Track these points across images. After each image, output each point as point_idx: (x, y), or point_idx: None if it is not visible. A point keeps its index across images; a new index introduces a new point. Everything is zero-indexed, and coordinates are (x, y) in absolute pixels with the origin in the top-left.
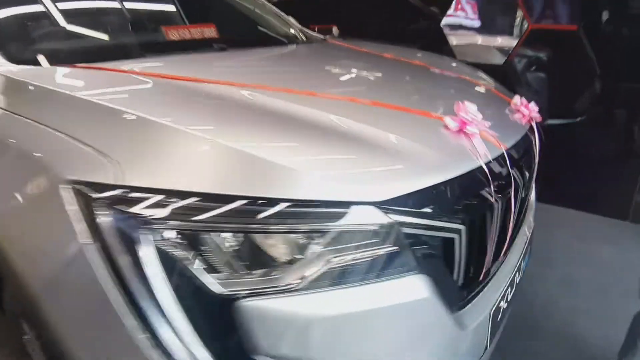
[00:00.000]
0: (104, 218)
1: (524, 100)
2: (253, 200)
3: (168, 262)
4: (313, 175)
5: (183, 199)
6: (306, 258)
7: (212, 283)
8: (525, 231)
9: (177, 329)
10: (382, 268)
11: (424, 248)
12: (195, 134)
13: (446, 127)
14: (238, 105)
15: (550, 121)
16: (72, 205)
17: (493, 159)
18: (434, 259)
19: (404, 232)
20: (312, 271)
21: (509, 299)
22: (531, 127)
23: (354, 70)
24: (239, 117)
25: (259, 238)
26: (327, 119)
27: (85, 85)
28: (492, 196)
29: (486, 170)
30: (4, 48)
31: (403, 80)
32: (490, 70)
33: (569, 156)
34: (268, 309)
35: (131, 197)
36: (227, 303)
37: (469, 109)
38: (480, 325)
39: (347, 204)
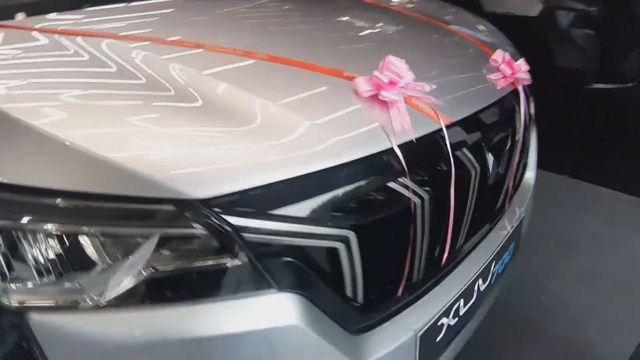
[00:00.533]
0: None
1: (507, 56)
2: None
3: None
4: (120, 160)
5: None
6: (113, 267)
7: None
8: (505, 225)
9: None
10: (217, 285)
11: (287, 261)
12: None
13: (357, 91)
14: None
15: (596, 85)
16: None
17: (422, 137)
18: (305, 275)
19: (249, 240)
20: (120, 283)
21: (461, 313)
22: (516, 92)
23: (296, 18)
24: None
25: (55, 239)
26: (181, 81)
27: None
28: (408, 189)
29: (399, 153)
30: None
31: (349, 31)
32: (524, 24)
33: (611, 126)
34: (62, 327)
35: None
36: (14, 317)
37: (395, 66)
38: (399, 352)
39: (164, 201)
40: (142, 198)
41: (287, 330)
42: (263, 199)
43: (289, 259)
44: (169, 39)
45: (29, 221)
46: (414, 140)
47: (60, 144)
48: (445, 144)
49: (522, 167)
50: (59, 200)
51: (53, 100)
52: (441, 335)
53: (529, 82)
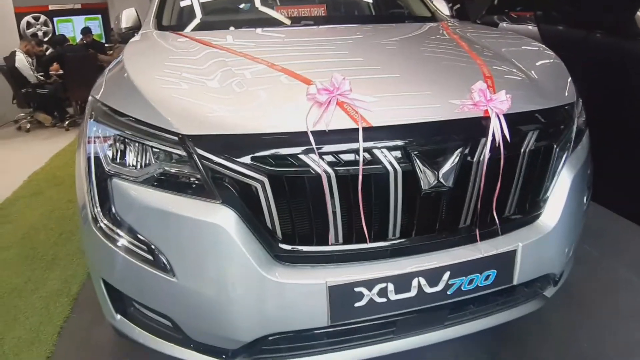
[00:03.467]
0: None
1: (482, 86)
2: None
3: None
4: (154, 102)
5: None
6: (142, 161)
7: (104, 164)
8: (480, 248)
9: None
10: (186, 186)
11: (226, 185)
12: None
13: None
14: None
15: None
16: None
17: (337, 130)
18: (236, 198)
19: (206, 165)
20: (145, 170)
21: (391, 297)
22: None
23: (364, 47)
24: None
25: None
26: (223, 72)
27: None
28: (317, 164)
29: (310, 135)
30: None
31: (375, 59)
32: None
33: None
34: (124, 187)
35: None
36: (108, 176)
37: (335, 79)
38: (308, 290)
39: (170, 132)
40: (162, 128)
41: (216, 227)
42: (220, 143)
43: (228, 185)
44: (252, 55)
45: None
46: (327, 130)
47: (140, 93)
48: (357, 140)
49: (516, 198)
50: (133, 122)
51: (162, 74)
52: (361, 303)
53: (502, 111)
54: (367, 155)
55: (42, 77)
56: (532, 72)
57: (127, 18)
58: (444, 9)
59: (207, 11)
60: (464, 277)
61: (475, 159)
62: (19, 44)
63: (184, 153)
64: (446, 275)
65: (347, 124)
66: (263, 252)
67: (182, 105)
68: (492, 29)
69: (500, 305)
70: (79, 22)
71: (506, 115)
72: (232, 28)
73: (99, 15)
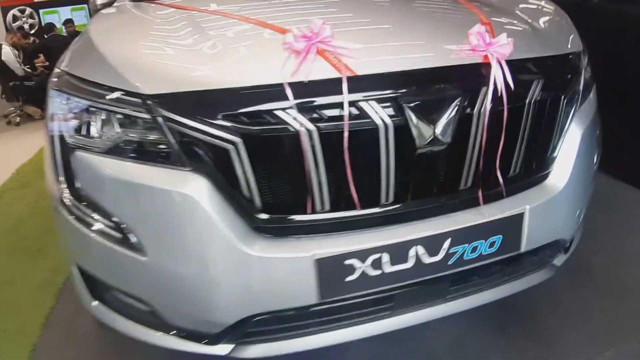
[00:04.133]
0: None
1: (481, 29)
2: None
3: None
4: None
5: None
6: (106, 130)
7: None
8: (483, 212)
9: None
10: (152, 154)
11: (196, 149)
12: None
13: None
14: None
15: None
16: None
17: (319, 81)
18: (208, 164)
19: (172, 128)
20: (109, 139)
21: (386, 269)
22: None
23: None
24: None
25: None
26: (192, 29)
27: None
28: (296, 121)
29: (287, 89)
30: None
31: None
32: None
33: None
34: (88, 160)
35: None
36: (71, 151)
37: (315, 25)
38: (294, 265)
39: (131, 94)
40: (125, 91)
41: (187, 197)
42: (186, 102)
43: (198, 149)
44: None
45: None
46: (306, 81)
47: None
48: (341, 91)
49: (522, 156)
50: (96, 88)
51: (128, 39)
52: (353, 277)
53: (504, 56)
54: (353, 109)
55: (29, 70)
56: (535, 21)
57: None
58: None
59: None
60: (466, 244)
61: (475, 111)
62: (5, 37)
63: (148, 116)
64: (447, 242)
65: (330, 73)
66: (241, 223)
67: (145, 65)
68: None
69: (507, 275)
70: (65, 12)
71: (508, 62)
72: None
73: (85, 5)
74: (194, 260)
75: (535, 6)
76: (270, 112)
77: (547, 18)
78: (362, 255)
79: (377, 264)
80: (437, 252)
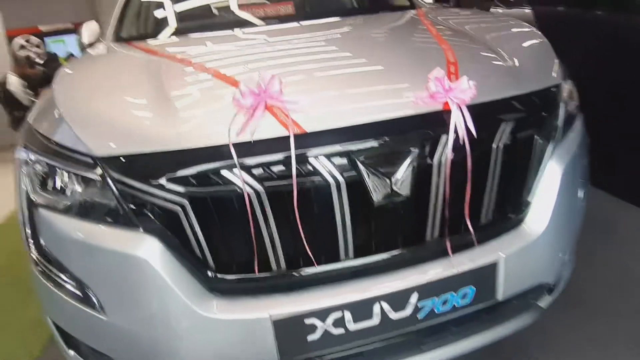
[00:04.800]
0: None
1: (440, 73)
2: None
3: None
4: (67, 123)
5: None
6: (62, 189)
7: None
8: (451, 263)
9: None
10: (105, 215)
11: (146, 211)
12: None
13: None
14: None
15: None
16: None
17: (267, 140)
18: (159, 226)
19: (122, 190)
20: (64, 198)
21: (350, 328)
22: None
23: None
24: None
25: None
26: (150, 83)
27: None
28: (243, 182)
29: (233, 151)
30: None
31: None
32: None
33: None
34: (48, 217)
35: None
36: (34, 206)
37: (264, 78)
38: (251, 328)
39: (80, 153)
40: (77, 151)
41: (139, 260)
42: (133, 164)
43: (149, 211)
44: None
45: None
46: (252, 141)
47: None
48: (289, 149)
49: (493, 202)
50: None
51: (86, 96)
52: (315, 336)
53: (464, 102)
54: (303, 167)
55: (34, 100)
56: (509, 53)
57: (88, 33)
58: None
59: (162, 19)
60: (435, 298)
61: (435, 161)
62: (11, 67)
63: (99, 177)
64: (413, 297)
65: (278, 131)
66: (195, 285)
67: (96, 124)
68: (473, 12)
69: (487, 322)
70: (71, 41)
71: (471, 107)
72: (191, 34)
73: None
74: (151, 321)
75: (515, 34)
76: (216, 173)
77: (524, 49)
78: (321, 314)
79: (339, 323)
80: (404, 307)
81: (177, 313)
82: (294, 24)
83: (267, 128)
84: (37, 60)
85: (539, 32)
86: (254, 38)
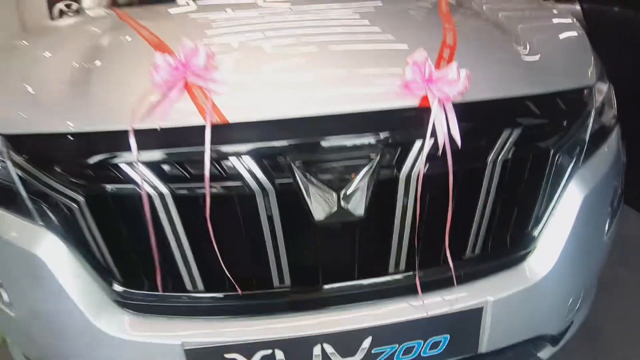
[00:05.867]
0: None
1: (421, 57)
2: None
3: None
4: None
5: None
6: None
7: None
8: (420, 306)
9: None
10: (7, 201)
11: (45, 204)
12: None
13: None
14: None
15: None
16: None
17: (177, 128)
18: (59, 223)
19: (21, 176)
20: None
21: None
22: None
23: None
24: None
25: None
26: (89, 54)
27: None
28: (144, 180)
29: (132, 139)
30: None
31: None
32: None
33: None
34: None
35: None
36: None
37: (186, 48)
38: (157, 354)
39: None
40: None
41: (35, 258)
42: (36, 146)
43: (48, 204)
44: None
45: None
46: (159, 129)
47: None
48: (206, 143)
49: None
50: None
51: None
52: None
53: (448, 99)
54: (222, 167)
55: None
56: (534, 44)
57: None
58: None
59: None
60: (395, 345)
61: (403, 174)
62: None
63: (2, 158)
64: (367, 341)
65: (194, 119)
66: (98, 295)
67: (7, 100)
68: None
69: None
70: None
71: (461, 105)
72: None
73: None
74: (51, 328)
75: (546, 25)
76: (115, 166)
77: (553, 41)
78: (247, 349)
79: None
80: (353, 353)
81: (73, 324)
82: None
83: (182, 113)
84: None
85: (578, 25)
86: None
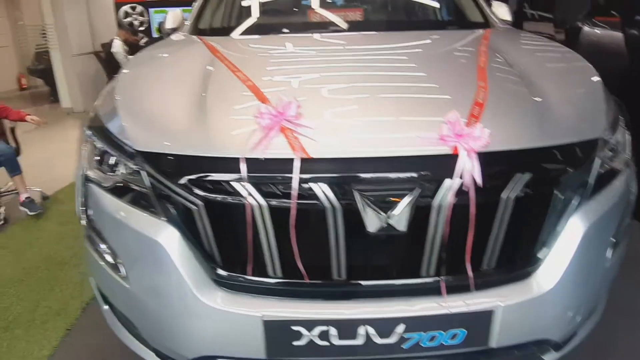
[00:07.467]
0: None
1: (454, 117)
2: None
3: None
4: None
5: None
6: (109, 170)
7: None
8: (443, 305)
9: None
10: (138, 200)
11: (169, 204)
12: None
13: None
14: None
15: None
16: None
17: (275, 159)
18: (178, 219)
19: (153, 182)
20: (110, 179)
21: (334, 342)
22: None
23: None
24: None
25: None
26: (196, 86)
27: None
28: (249, 194)
29: (242, 163)
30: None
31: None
32: None
33: None
34: (95, 192)
35: None
36: (87, 180)
37: (282, 102)
38: (243, 322)
39: (125, 143)
40: (123, 141)
41: (158, 244)
42: (164, 162)
43: (172, 204)
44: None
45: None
46: (263, 159)
47: (116, 103)
48: (295, 172)
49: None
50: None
51: (141, 90)
52: (300, 343)
53: (474, 151)
54: (304, 189)
55: None
56: (548, 99)
57: (172, 19)
58: (503, 14)
59: (237, 15)
60: (422, 332)
61: (436, 203)
62: (117, 32)
63: (136, 167)
64: (400, 327)
65: (287, 153)
66: (202, 275)
67: (141, 119)
68: (539, 41)
69: None
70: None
71: (483, 154)
72: (259, 35)
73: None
74: (161, 298)
75: (564, 76)
76: (228, 182)
77: (568, 93)
78: (308, 324)
79: (324, 336)
80: (389, 335)
81: (181, 295)
82: (359, 34)
83: (279, 148)
84: (140, 28)
85: (596, 73)
86: (310, 45)
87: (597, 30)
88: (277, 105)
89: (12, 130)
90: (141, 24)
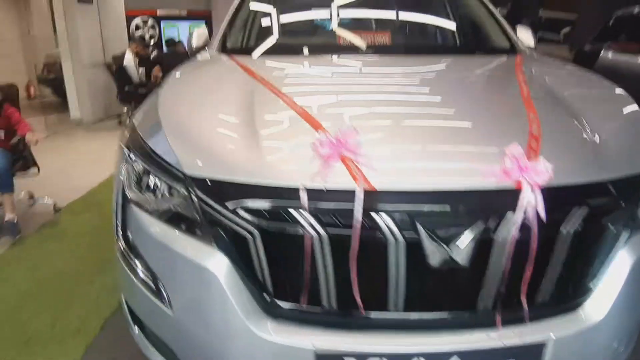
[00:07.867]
0: None
1: (518, 150)
2: None
3: None
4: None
5: None
6: (155, 194)
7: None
8: (498, 337)
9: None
10: (185, 225)
11: (221, 231)
12: None
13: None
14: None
15: None
16: None
17: (337, 190)
18: (230, 246)
19: (203, 208)
20: (156, 202)
21: None
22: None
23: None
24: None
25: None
26: (242, 109)
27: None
28: (309, 224)
29: (303, 193)
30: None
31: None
32: None
33: None
34: (137, 215)
35: None
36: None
37: (343, 131)
38: (294, 354)
39: (174, 167)
40: (171, 165)
41: (207, 271)
42: (216, 188)
43: (223, 231)
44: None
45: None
46: (325, 189)
47: (160, 125)
48: (358, 204)
49: (551, 284)
50: (152, 154)
51: (184, 110)
52: None
53: (538, 185)
54: (366, 221)
55: (144, 78)
56: (597, 129)
57: (198, 37)
58: (527, 39)
59: (266, 36)
60: None
61: (499, 238)
62: (129, 45)
63: (185, 192)
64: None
65: (348, 183)
66: (252, 304)
67: (190, 143)
68: (570, 67)
69: None
70: (184, 27)
71: (544, 189)
72: (290, 54)
73: (203, 22)
74: (208, 326)
75: (611, 107)
76: (286, 211)
77: (613, 127)
78: (361, 356)
79: None
80: None
81: (231, 324)
82: (391, 58)
83: (339, 178)
84: (150, 41)
85: (634, 102)
86: (347, 67)
87: (619, 56)
88: (337, 134)
89: (24, 143)
90: (151, 37)
